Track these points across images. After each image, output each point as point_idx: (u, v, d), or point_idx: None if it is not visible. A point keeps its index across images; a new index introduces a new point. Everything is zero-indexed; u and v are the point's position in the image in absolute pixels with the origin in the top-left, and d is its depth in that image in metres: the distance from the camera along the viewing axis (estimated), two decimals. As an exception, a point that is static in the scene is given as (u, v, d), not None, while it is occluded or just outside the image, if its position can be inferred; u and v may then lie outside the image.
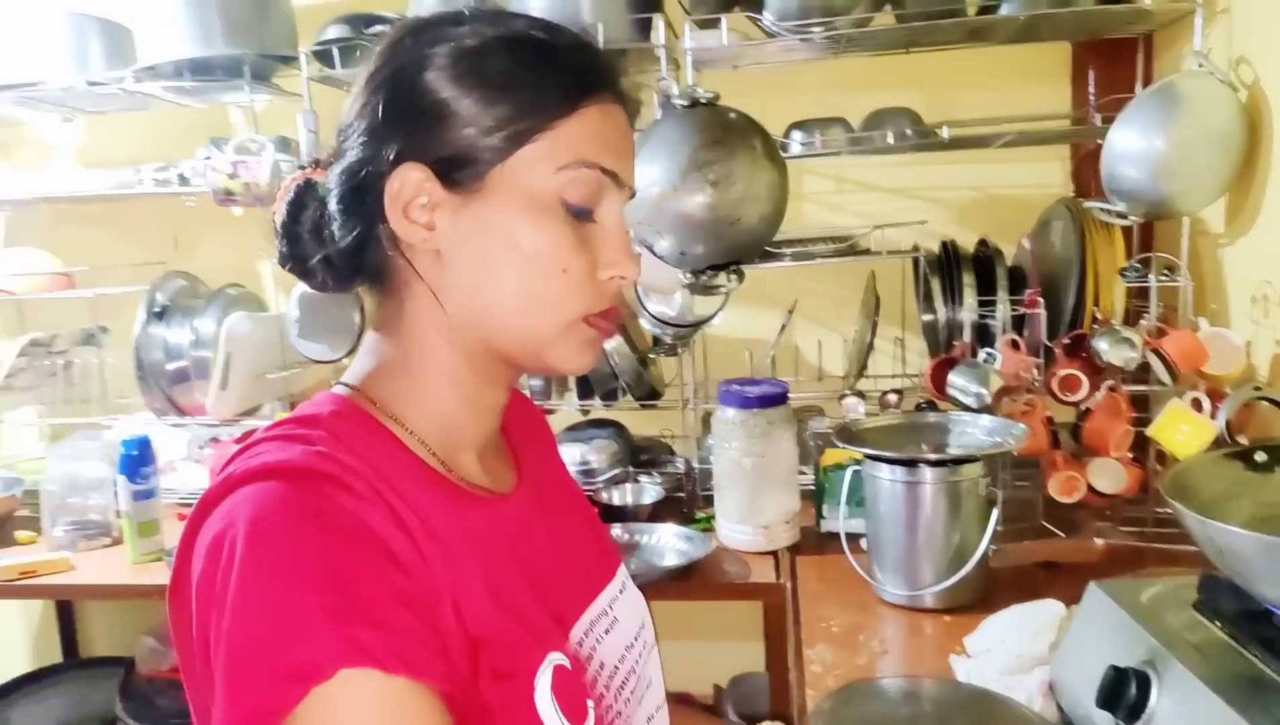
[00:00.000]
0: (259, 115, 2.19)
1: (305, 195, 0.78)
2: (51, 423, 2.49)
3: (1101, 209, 1.78)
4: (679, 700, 2.26)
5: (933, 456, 1.44)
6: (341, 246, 0.76)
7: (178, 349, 2.24)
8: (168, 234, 2.52)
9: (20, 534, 2.13)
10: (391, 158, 0.73)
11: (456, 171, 0.73)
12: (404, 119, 0.74)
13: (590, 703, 0.75)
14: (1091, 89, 2.13)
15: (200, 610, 0.63)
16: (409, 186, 0.73)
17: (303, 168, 0.81)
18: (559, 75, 0.74)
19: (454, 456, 0.80)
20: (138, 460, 1.97)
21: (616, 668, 0.84)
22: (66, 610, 2.74)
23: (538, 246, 0.73)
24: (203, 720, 0.68)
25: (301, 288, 2.01)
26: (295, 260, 0.79)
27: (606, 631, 0.85)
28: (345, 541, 0.64)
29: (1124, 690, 0.88)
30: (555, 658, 0.74)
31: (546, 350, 0.76)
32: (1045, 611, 1.21)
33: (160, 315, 2.27)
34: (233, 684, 0.60)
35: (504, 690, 0.68)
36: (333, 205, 0.76)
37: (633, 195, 0.80)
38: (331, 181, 0.76)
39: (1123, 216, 1.76)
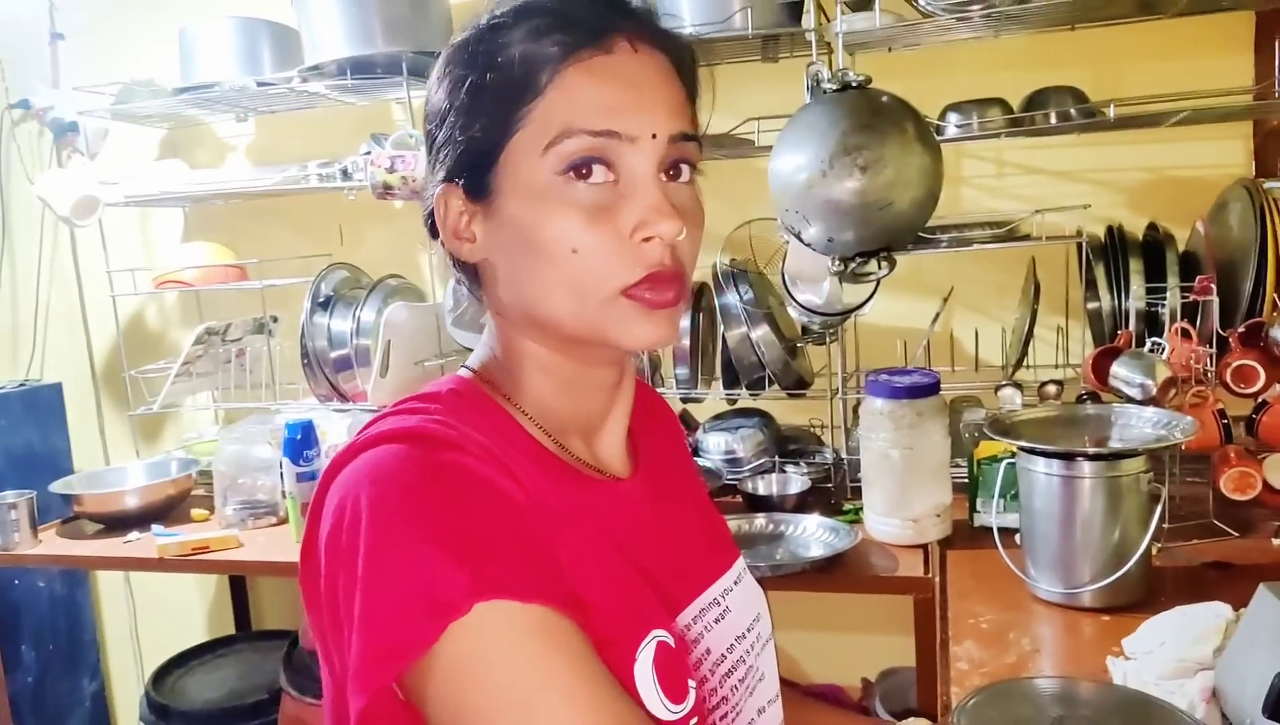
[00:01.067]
0: (417, 111, 2.27)
1: None
2: (226, 407, 2.61)
3: (1285, 189, 1.66)
4: (817, 694, 2.23)
5: (1090, 450, 1.37)
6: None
7: (341, 337, 2.32)
8: (334, 227, 2.61)
9: (195, 512, 2.27)
10: (435, 180, 0.76)
11: (474, 180, 0.73)
12: (433, 139, 0.76)
13: (692, 684, 0.73)
14: (1278, 60, 1.98)
15: (329, 568, 0.65)
16: (451, 209, 0.75)
17: None
18: (522, 52, 0.70)
19: (565, 439, 0.80)
20: (301, 443, 2.07)
21: (724, 655, 0.82)
22: (239, 585, 2.87)
23: (542, 235, 0.71)
24: (332, 678, 0.70)
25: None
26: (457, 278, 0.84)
27: (717, 620, 0.83)
28: (464, 490, 0.65)
29: (1295, 700, 0.82)
30: (659, 634, 0.73)
31: (602, 332, 0.73)
32: (1211, 614, 1.13)
33: (325, 305, 2.35)
34: (368, 626, 0.61)
35: (604, 656, 0.67)
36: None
37: (689, 137, 0.73)
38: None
39: (1309, 197, 1.63)
